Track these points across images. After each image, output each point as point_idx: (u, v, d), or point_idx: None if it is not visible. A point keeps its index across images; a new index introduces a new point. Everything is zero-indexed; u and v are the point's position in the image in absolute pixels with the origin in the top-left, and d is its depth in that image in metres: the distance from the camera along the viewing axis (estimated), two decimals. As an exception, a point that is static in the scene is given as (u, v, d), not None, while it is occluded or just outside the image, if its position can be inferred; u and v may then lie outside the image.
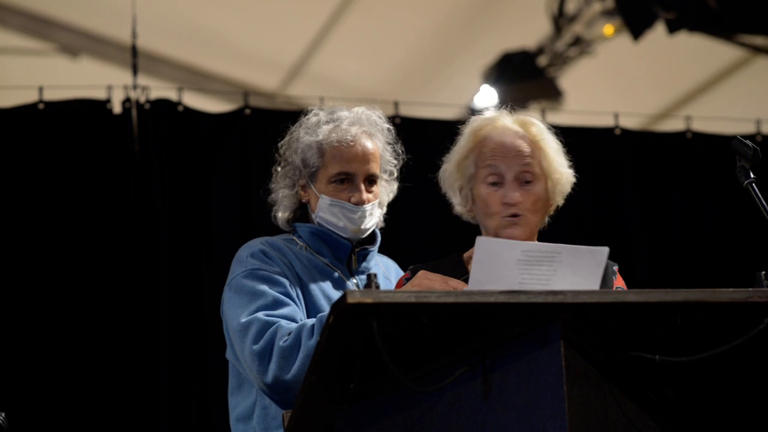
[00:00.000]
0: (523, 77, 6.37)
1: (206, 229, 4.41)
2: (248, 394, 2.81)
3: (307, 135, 2.93)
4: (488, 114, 2.80)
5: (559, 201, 2.80)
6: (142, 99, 4.43)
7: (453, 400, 2.09)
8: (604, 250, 2.26)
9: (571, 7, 6.20)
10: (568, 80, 6.58)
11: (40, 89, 4.36)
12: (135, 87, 4.45)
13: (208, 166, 4.47)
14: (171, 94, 4.53)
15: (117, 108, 4.42)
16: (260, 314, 2.69)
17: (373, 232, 3.00)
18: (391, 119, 3.21)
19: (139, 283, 4.30)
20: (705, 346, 2.07)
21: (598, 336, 2.09)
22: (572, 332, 2.03)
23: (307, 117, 2.98)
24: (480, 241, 2.26)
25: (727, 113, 5.25)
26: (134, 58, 4.60)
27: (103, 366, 4.20)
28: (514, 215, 2.66)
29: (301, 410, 2.22)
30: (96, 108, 4.39)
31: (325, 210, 2.90)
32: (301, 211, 3.01)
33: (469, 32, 6.88)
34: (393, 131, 3.01)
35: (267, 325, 2.66)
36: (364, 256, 2.97)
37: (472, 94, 6.51)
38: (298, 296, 2.79)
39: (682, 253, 4.86)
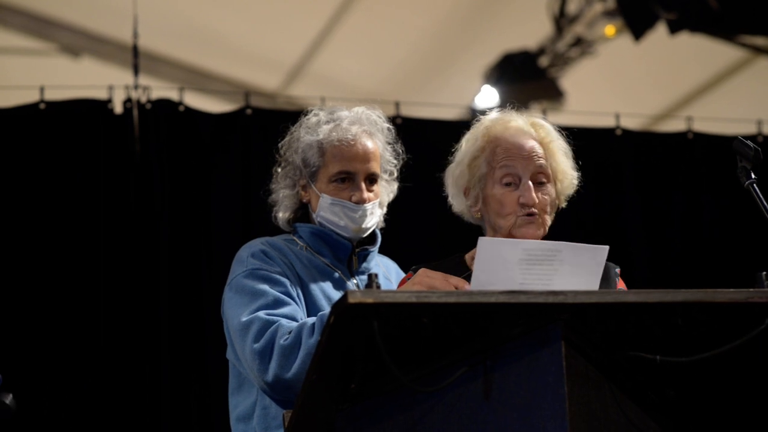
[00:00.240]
0: (524, 78, 6.37)
1: (206, 229, 4.41)
2: (248, 394, 2.81)
3: (307, 135, 2.93)
4: (497, 114, 2.80)
5: (563, 203, 2.81)
6: (143, 99, 4.43)
7: (454, 400, 2.09)
8: (604, 249, 2.28)
9: (572, 7, 6.21)
10: (569, 81, 6.59)
11: (42, 89, 4.36)
12: (136, 87, 4.45)
13: (209, 166, 4.47)
14: (172, 94, 4.53)
15: (118, 108, 4.42)
16: (261, 313, 2.69)
17: (374, 232, 3.00)
18: (392, 119, 3.22)
19: (139, 283, 4.30)
20: (705, 347, 2.07)
21: (599, 336, 2.10)
22: (573, 332, 2.03)
23: (307, 117, 2.99)
24: (482, 241, 2.27)
25: (728, 114, 5.25)
26: (135, 58, 4.60)
27: (103, 366, 4.20)
28: (530, 215, 2.67)
29: (301, 410, 2.22)
30: (97, 108, 4.39)
31: (326, 209, 2.90)
32: (302, 212, 3.01)
33: (470, 32, 6.88)
34: (393, 131, 3.02)
35: (268, 324, 2.66)
36: (364, 257, 2.98)
37: (473, 94, 6.51)
38: (298, 296, 2.80)
39: (683, 253, 4.87)
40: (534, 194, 2.67)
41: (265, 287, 2.75)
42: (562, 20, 6.24)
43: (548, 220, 2.72)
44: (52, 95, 4.37)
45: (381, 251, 3.08)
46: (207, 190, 4.46)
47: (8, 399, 2.72)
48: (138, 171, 4.37)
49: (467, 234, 2.91)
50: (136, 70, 4.56)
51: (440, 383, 2.08)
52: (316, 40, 6.92)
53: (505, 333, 2.05)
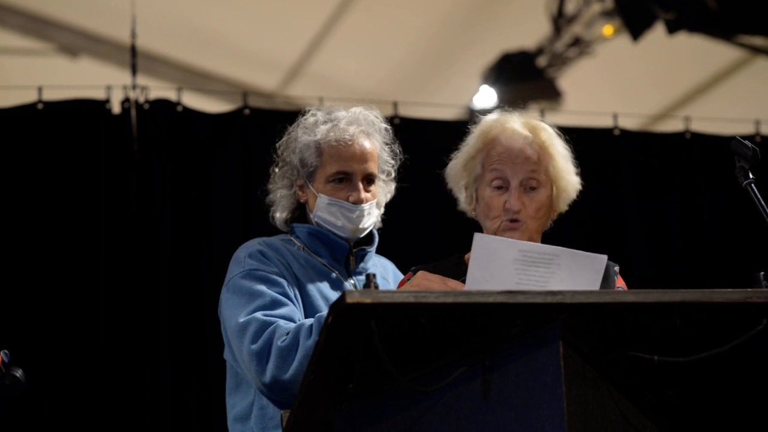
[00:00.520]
0: (523, 78, 6.38)
1: (206, 229, 4.41)
2: (246, 394, 2.81)
3: (304, 135, 2.93)
4: (499, 115, 2.80)
5: (563, 207, 2.81)
6: (141, 99, 4.43)
7: (452, 401, 2.09)
8: (603, 258, 2.26)
9: (570, 7, 6.21)
10: (568, 81, 6.59)
11: (40, 89, 4.36)
12: (134, 87, 4.45)
13: (208, 166, 4.48)
14: (170, 94, 4.53)
15: (116, 108, 4.42)
16: (258, 314, 2.69)
17: (371, 232, 3.00)
18: (390, 119, 3.21)
19: (139, 283, 4.30)
20: (703, 347, 2.07)
21: (597, 336, 2.10)
22: (571, 332, 2.03)
23: (304, 117, 2.98)
24: (478, 237, 2.26)
25: (726, 114, 5.25)
26: (133, 58, 4.60)
27: (103, 366, 4.20)
28: (514, 221, 2.67)
29: (299, 410, 2.22)
30: (95, 108, 4.39)
31: (324, 209, 2.90)
32: (299, 212, 3.01)
33: (469, 32, 6.88)
34: (390, 131, 3.02)
35: (265, 325, 2.66)
36: (361, 257, 2.97)
37: (472, 94, 6.51)
38: (295, 296, 2.79)
39: (681, 253, 4.87)
40: (519, 200, 2.67)
41: (263, 288, 2.75)
42: (560, 20, 6.24)
43: (535, 225, 2.70)
44: (49, 95, 4.37)
45: (379, 252, 3.08)
46: (207, 190, 4.46)
47: (18, 372, 2.74)
48: (137, 171, 4.37)
49: (466, 234, 2.90)
50: (134, 70, 4.56)
51: (438, 383, 2.08)
52: (315, 40, 6.92)
53: (504, 333, 2.05)
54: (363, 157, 2.89)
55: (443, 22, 6.83)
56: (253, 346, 2.64)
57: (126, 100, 4.42)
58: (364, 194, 2.90)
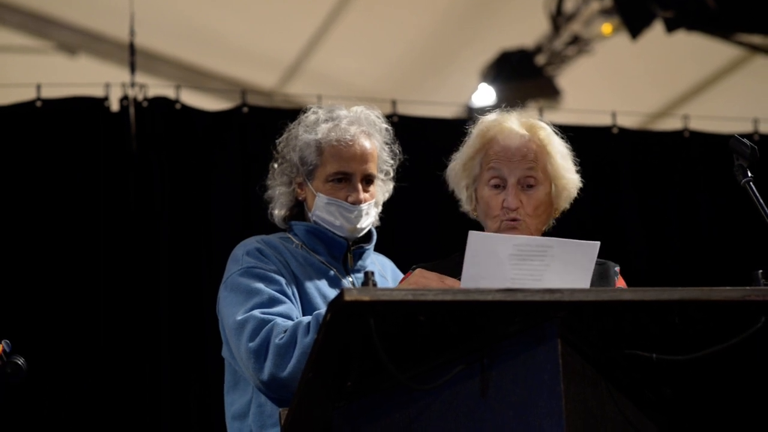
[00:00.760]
0: (522, 76, 6.38)
1: (205, 226, 4.41)
2: (244, 392, 2.81)
3: (305, 133, 2.92)
4: (497, 115, 2.80)
5: (565, 205, 2.81)
6: (140, 97, 4.43)
7: (450, 398, 2.09)
8: (596, 245, 2.28)
9: (569, 5, 6.21)
10: (566, 79, 6.59)
11: (38, 87, 4.36)
12: (133, 85, 4.45)
13: (207, 164, 4.47)
14: (169, 92, 4.53)
15: (115, 106, 4.42)
16: (256, 312, 2.69)
17: (369, 230, 3.00)
18: (389, 118, 3.21)
19: (139, 282, 4.30)
20: (702, 345, 2.07)
21: (595, 334, 2.10)
22: (569, 330, 2.03)
23: (305, 115, 2.98)
24: (472, 235, 2.27)
25: (724, 112, 5.25)
26: (132, 56, 4.60)
27: (103, 366, 4.19)
28: (513, 219, 2.67)
29: (298, 408, 2.22)
30: (94, 106, 4.39)
31: (322, 208, 2.90)
32: (298, 209, 3.00)
33: (468, 31, 6.88)
34: (391, 131, 3.01)
35: (263, 323, 2.66)
36: (360, 255, 2.97)
37: (471, 92, 6.51)
38: (293, 294, 2.79)
39: (680, 251, 4.87)
40: (516, 198, 2.67)
41: (261, 285, 2.75)
42: (559, 18, 6.25)
43: (534, 224, 2.71)
44: (48, 93, 4.37)
45: (378, 250, 3.08)
46: (206, 189, 4.45)
47: (20, 360, 2.75)
48: (136, 169, 4.37)
49: (466, 233, 2.91)
50: (132, 68, 4.55)
51: (437, 381, 2.08)
52: (313, 39, 6.92)
53: (502, 331, 2.05)
54: (363, 157, 2.89)
55: (442, 20, 6.83)
56: (251, 344, 2.64)
57: (125, 98, 4.42)
58: (362, 194, 2.89)
